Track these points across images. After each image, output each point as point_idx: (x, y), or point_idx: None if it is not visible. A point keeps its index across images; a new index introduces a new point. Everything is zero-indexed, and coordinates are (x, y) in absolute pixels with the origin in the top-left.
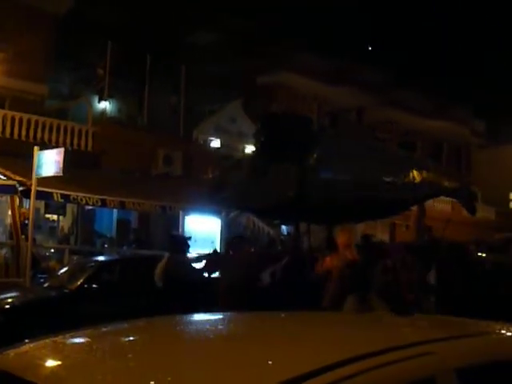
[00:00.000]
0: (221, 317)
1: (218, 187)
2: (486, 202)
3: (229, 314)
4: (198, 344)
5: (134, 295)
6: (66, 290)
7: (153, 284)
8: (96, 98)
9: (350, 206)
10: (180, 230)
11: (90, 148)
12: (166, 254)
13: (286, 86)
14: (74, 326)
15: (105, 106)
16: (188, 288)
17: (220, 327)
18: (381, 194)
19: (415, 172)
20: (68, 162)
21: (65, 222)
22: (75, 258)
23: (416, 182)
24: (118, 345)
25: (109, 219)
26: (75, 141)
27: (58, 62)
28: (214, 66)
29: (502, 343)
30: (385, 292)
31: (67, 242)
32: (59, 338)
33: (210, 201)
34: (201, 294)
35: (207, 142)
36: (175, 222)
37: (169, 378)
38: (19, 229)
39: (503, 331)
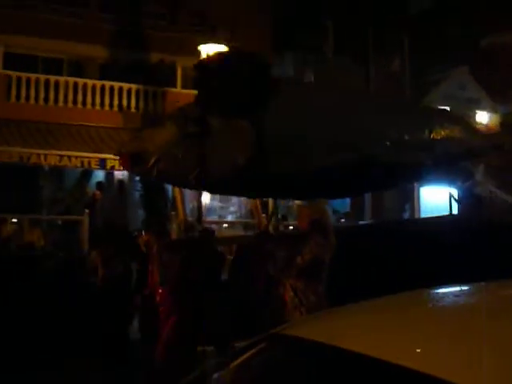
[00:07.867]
0: None
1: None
2: None
3: None
4: None
5: None
6: None
7: None
8: None
9: (327, 175)
10: (415, 202)
11: None
12: None
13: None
14: None
15: None
16: None
17: None
18: (378, 156)
19: (437, 127)
20: None
21: None
22: None
23: (435, 139)
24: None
25: None
26: None
27: (281, 45)
28: (433, 34)
29: None
30: None
31: None
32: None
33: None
34: None
35: None
36: (410, 194)
37: None
38: None
39: None
